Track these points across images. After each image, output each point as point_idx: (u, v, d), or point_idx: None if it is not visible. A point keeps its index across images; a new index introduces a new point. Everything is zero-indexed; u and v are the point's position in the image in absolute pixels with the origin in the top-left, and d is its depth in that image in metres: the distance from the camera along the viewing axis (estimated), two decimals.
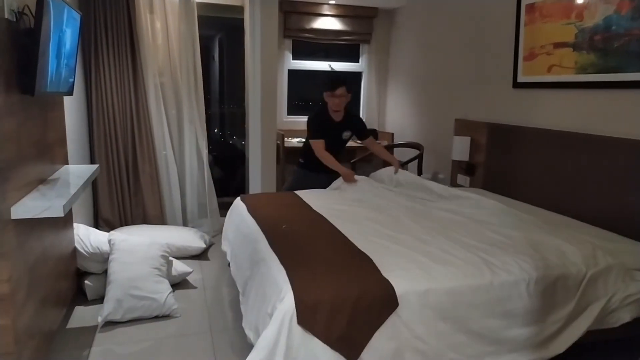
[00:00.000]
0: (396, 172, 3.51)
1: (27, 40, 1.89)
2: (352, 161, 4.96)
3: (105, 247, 2.82)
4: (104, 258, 2.81)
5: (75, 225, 2.85)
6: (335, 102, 3.36)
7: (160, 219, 3.95)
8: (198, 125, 4.03)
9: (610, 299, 2.04)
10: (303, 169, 3.64)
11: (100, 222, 3.76)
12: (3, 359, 1.75)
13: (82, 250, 2.78)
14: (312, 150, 3.44)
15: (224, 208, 3.49)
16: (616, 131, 2.63)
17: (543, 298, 1.94)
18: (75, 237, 2.80)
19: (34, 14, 1.88)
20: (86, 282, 2.81)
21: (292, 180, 3.72)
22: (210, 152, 4.26)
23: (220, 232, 4.05)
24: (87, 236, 2.85)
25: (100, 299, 2.84)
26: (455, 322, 1.82)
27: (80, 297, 2.85)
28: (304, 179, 3.57)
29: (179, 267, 3.06)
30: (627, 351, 2.33)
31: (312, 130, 3.48)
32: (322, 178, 3.48)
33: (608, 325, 2.06)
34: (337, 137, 3.51)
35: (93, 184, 3.74)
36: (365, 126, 3.65)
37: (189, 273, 3.09)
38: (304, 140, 4.88)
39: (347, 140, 3.60)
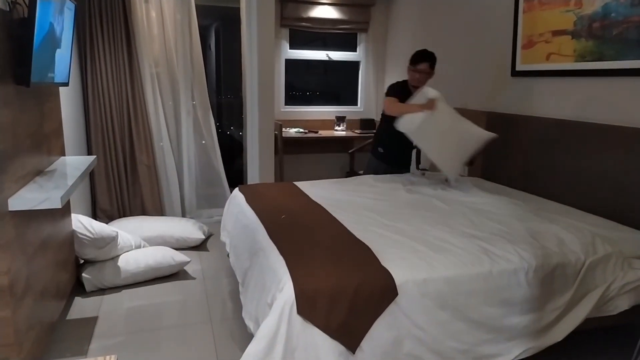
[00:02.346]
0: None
1: (20, 30, 1.86)
2: (350, 151, 4.97)
3: (108, 233, 2.82)
4: (105, 243, 2.82)
5: (73, 215, 2.84)
6: (415, 77, 3.20)
7: (159, 210, 3.94)
8: (201, 115, 4.01)
9: (608, 286, 2.05)
10: (378, 159, 3.47)
11: (98, 213, 3.76)
12: (3, 350, 1.76)
13: (83, 237, 2.77)
14: (391, 137, 3.23)
15: (222, 198, 3.50)
16: (615, 119, 2.63)
17: (542, 286, 1.95)
18: (77, 224, 2.79)
19: (27, 4, 1.85)
20: (84, 274, 2.81)
21: (366, 170, 3.54)
22: (207, 142, 4.26)
23: (214, 222, 4.09)
24: (88, 223, 2.84)
25: (98, 291, 2.84)
26: (455, 311, 1.83)
27: (79, 288, 2.85)
28: (372, 171, 3.43)
29: (177, 257, 3.06)
30: (626, 338, 2.35)
31: (392, 89, 3.27)
32: (395, 172, 3.39)
33: (606, 313, 2.07)
34: None
35: (90, 175, 3.72)
36: None
37: (187, 262, 3.10)
38: (302, 130, 4.89)
39: None
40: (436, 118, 2.97)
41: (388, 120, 3.31)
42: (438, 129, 2.97)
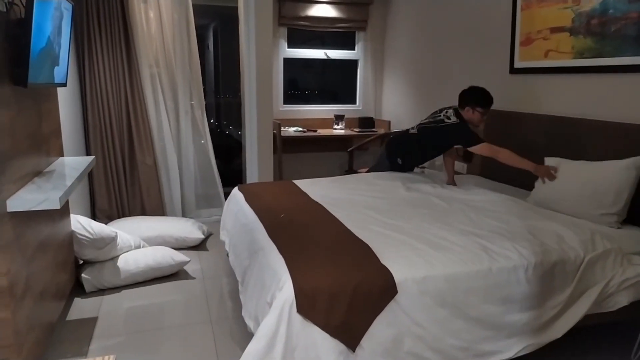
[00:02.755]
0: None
1: (18, 30, 1.86)
2: (349, 149, 4.96)
3: (107, 233, 2.82)
4: (105, 243, 2.82)
5: (72, 216, 2.84)
6: (482, 120, 3.08)
7: (159, 210, 3.94)
8: (198, 115, 4.01)
9: (608, 283, 2.05)
10: (394, 168, 3.38)
11: (97, 213, 3.76)
12: (3, 351, 1.75)
13: (82, 237, 2.77)
14: (416, 156, 3.30)
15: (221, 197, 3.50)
16: (613, 116, 2.63)
17: (541, 283, 1.95)
18: (76, 225, 2.78)
19: (24, 4, 1.85)
20: (83, 275, 2.81)
21: (376, 170, 3.47)
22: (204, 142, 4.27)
23: (214, 222, 4.09)
24: (88, 223, 2.84)
25: (98, 292, 2.84)
26: (454, 308, 1.83)
27: (78, 289, 2.85)
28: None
29: (177, 257, 3.06)
30: (625, 334, 2.35)
31: (475, 135, 3.02)
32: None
33: (606, 309, 2.08)
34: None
35: (89, 175, 3.72)
36: (470, 137, 3.06)
37: (187, 262, 3.10)
38: (301, 129, 4.88)
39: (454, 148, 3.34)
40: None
41: (427, 146, 3.22)
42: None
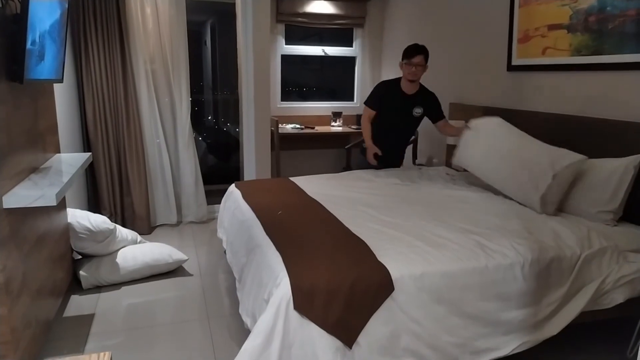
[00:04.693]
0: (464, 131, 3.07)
1: (13, 26, 1.85)
2: (346, 147, 4.96)
3: (106, 226, 2.82)
4: (104, 236, 2.82)
5: (70, 209, 2.83)
6: (412, 71, 3.22)
7: (152, 208, 3.93)
8: (184, 113, 3.97)
9: (604, 280, 2.06)
10: (366, 160, 3.44)
11: (101, 211, 3.73)
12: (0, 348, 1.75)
13: (81, 231, 2.76)
14: (378, 138, 3.32)
15: (219, 195, 3.47)
16: (611, 113, 2.63)
17: (538, 280, 1.96)
18: (74, 218, 2.78)
19: (20, 0, 1.84)
20: (81, 272, 2.80)
21: (355, 167, 3.57)
22: (204, 139, 4.23)
23: (211, 220, 4.07)
24: (86, 216, 2.83)
25: (95, 288, 2.84)
26: (451, 305, 1.84)
27: (75, 285, 2.85)
28: (359, 168, 3.45)
29: (175, 254, 3.06)
30: (621, 331, 2.36)
31: (371, 94, 3.36)
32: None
33: (602, 307, 2.08)
34: (406, 113, 3.32)
35: (89, 171, 3.71)
36: (439, 106, 3.39)
37: (185, 260, 3.09)
38: (298, 126, 4.88)
39: (418, 120, 3.39)
40: (493, 145, 2.82)
41: (374, 122, 3.38)
42: (498, 155, 2.77)
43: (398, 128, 3.38)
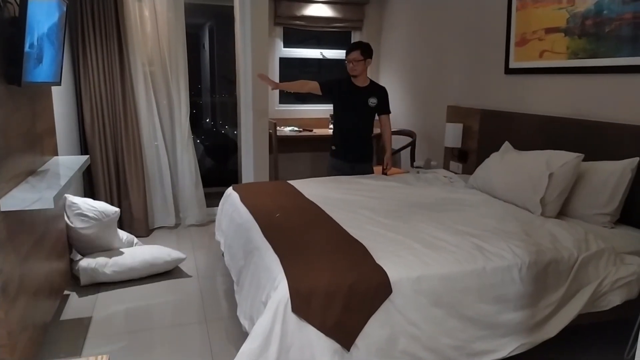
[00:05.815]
0: (385, 169, 3.55)
1: (11, 29, 1.85)
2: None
3: (110, 209, 2.87)
4: (110, 214, 2.84)
5: (72, 197, 2.83)
6: (350, 67, 3.44)
7: (151, 210, 3.93)
8: (183, 115, 3.97)
9: (601, 282, 2.06)
10: (334, 157, 3.64)
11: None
12: None
13: (85, 208, 2.76)
14: (340, 133, 3.57)
15: (217, 198, 3.47)
16: (607, 116, 2.64)
17: (535, 282, 1.96)
18: (77, 203, 2.78)
19: (18, 3, 1.84)
20: (80, 264, 2.80)
21: (327, 171, 3.68)
22: (202, 142, 4.23)
23: (209, 222, 4.07)
24: (89, 201, 2.86)
25: (92, 291, 2.83)
26: (449, 308, 1.84)
27: (73, 288, 2.84)
28: (332, 170, 3.59)
29: (173, 253, 3.07)
30: (618, 334, 2.37)
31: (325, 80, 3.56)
32: (355, 168, 3.53)
33: (599, 309, 2.09)
34: (361, 104, 3.49)
35: (84, 174, 3.70)
36: (388, 102, 3.62)
37: (183, 259, 3.10)
38: (296, 129, 4.89)
39: (374, 110, 3.54)
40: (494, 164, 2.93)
41: (334, 117, 3.65)
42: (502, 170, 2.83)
43: (356, 119, 3.53)
